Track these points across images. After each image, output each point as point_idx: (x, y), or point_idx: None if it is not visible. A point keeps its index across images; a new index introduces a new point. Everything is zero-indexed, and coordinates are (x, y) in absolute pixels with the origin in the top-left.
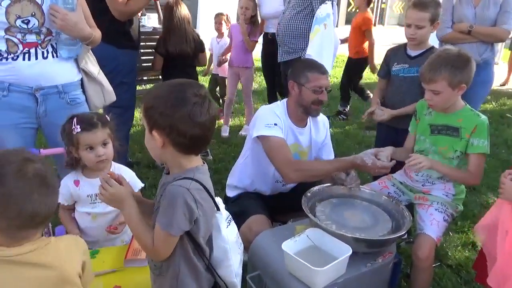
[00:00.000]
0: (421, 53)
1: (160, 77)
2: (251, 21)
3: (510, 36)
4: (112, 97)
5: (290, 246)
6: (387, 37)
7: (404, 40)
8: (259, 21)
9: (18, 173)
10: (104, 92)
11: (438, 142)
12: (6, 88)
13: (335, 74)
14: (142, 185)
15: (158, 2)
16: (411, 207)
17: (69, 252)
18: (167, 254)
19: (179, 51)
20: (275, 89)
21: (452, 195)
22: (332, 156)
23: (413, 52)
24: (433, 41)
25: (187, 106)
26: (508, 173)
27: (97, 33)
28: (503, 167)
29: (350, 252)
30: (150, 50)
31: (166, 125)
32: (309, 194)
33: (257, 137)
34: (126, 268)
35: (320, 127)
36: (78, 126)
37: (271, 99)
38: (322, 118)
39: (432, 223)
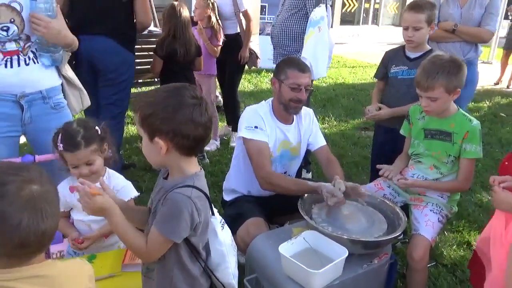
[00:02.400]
0: (421, 55)
1: (156, 79)
2: (210, 24)
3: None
4: (88, 101)
5: (287, 248)
6: (382, 37)
7: (398, 40)
8: (220, 23)
9: (10, 198)
10: (82, 97)
11: (431, 146)
12: None
13: (332, 75)
14: (137, 194)
15: (152, 3)
16: (406, 208)
17: (73, 281)
18: (159, 256)
19: (183, 54)
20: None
21: (447, 197)
22: (323, 143)
23: (412, 54)
24: None
25: (187, 108)
26: (500, 181)
27: (75, 39)
28: (497, 166)
29: (347, 254)
30: (146, 53)
31: (169, 129)
32: (305, 197)
33: (241, 138)
34: (124, 272)
35: (307, 120)
36: (61, 145)
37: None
38: (306, 111)
39: (427, 224)
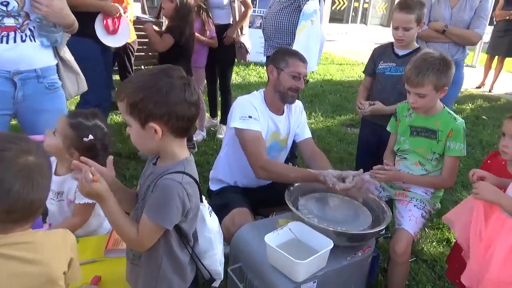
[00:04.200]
0: (408, 52)
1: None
2: (199, 15)
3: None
4: (84, 86)
5: (272, 238)
6: (370, 36)
7: (386, 40)
8: (209, 13)
9: (6, 164)
10: (78, 81)
11: (417, 143)
12: None
13: (319, 71)
14: None
15: None
16: (390, 202)
17: (56, 248)
18: (151, 244)
19: (192, 44)
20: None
21: (431, 193)
22: (309, 135)
23: (400, 52)
24: None
25: (179, 89)
26: (479, 176)
27: (75, 21)
28: (477, 166)
29: (332, 245)
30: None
31: (164, 112)
32: (292, 188)
33: (234, 128)
34: (107, 258)
35: (297, 112)
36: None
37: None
38: (296, 103)
39: (411, 219)
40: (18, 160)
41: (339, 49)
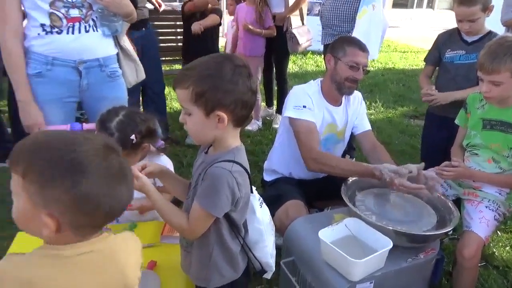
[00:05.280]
0: (479, 38)
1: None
2: (255, 4)
3: None
4: (143, 75)
5: (327, 234)
6: (437, 22)
7: (455, 25)
8: (266, 2)
9: (104, 168)
10: (137, 69)
11: (490, 138)
12: (51, 62)
13: (381, 59)
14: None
15: None
16: (458, 202)
17: (130, 254)
18: (202, 232)
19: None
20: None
21: (506, 193)
22: (368, 127)
23: (469, 38)
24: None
25: (244, 77)
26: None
27: (134, 10)
28: None
29: (391, 245)
30: (172, 30)
31: (231, 101)
32: (349, 182)
33: (288, 118)
34: (162, 244)
35: (355, 103)
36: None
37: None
38: (355, 94)
39: (481, 221)
40: (113, 162)
41: (403, 36)
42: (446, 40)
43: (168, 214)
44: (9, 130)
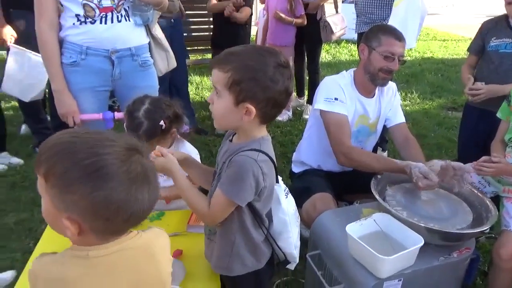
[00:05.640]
0: None
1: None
2: None
3: None
4: (174, 63)
5: (354, 229)
6: (481, 8)
7: (502, 12)
8: None
9: (128, 175)
10: (168, 58)
11: None
12: (85, 51)
13: (418, 48)
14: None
15: None
16: (497, 200)
17: (163, 249)
18: (221, 218)
19: None
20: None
21: None
22: (402, 120)
23: None
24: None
25: (284, 77)
26: None
27: None
28: None
29: (422, 243)
30: (201, 19)
31: (265, 98)
32: (379, 176)
33: (318, 110)
34: (188, 233)
35: (389, 94)
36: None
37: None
38: (389, 85)
39: None
40: (133, 166)
41: (443, 24)
42: (492, 28)
43: (190, 196)
44: (49, 118)
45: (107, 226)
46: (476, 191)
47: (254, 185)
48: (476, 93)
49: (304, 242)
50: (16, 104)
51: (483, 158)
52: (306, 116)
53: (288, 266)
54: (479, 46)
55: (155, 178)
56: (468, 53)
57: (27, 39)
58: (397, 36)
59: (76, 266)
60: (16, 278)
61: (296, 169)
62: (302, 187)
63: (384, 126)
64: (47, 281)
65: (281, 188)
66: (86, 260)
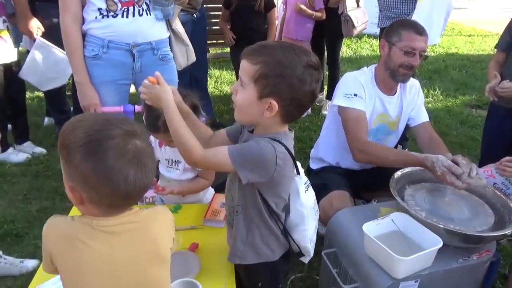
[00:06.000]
0: None
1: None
2: None
3: None
4: (193, 57)
5: (371, 228)
6: (508, 1)
7: None
8: None
9: (119, 152)
10: (188, 52)
11: None
12: (106, 45)
13: (443, 44)
14: None
15: None
16: None
17: (160, 223)
18: (207, 167)
19: None
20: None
21: None
22: (426, 119)
23: None
24: None
25: (313, 79)
26: None
27: None
28: None
29: (441, 244)
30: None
31: (289, 97)
32: (399, 175)
33: (337, 106)
34: (205, 226)
35: (412, 92)
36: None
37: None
38: (412, 83)
39: None
40: (129, 147)
41: (469, 18)
42: None
43: (180, 128)
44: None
45: (99, 198)
46: (499, 193)
47: (260, 170)
48: (507, 91)
49: (320, 239)
50: (41, 94)
51: (507, 158)
52: (325, 112)
53: (302, 259)
54: (507, 43)
55: (149, 163)
56: (496, 50)
57: (53, 33)
58: (418, 30)
59: (84, 231)
60: (38, 266)
61: (314, 165)
62: (319, 184)
63: (407, 125)
64: (58, 237)
65: (301, 180)
66: (91, 228)
